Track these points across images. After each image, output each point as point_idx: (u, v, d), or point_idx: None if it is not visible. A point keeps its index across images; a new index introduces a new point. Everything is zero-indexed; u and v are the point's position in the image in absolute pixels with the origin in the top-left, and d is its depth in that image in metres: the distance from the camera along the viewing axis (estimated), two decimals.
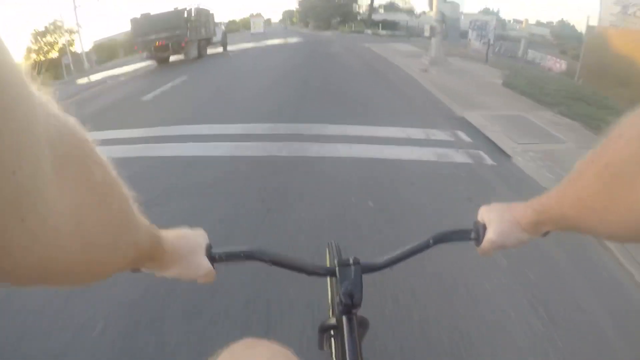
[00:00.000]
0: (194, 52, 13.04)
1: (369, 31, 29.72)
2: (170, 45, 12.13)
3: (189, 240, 0.52)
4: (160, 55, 12.54)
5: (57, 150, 0.22)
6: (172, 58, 13.01)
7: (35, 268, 0.21)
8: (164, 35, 11.88)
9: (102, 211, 0.27)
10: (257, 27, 31.33)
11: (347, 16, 38.67)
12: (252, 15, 40.52)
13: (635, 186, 0.29)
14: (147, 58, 12.85)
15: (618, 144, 0.31)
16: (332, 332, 0.72)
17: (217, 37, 16.09)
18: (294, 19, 71.17)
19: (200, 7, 14.21)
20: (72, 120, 0.26)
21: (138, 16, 12.47)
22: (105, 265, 0.30)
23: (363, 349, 0.59)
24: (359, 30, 31.62)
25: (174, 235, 0.50)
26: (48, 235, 0.21)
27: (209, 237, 0.56)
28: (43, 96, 0.23)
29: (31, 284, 0.22)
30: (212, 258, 0.54)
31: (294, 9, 67.07)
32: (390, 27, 29.49)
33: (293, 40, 22.17)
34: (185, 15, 12.63)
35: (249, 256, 0.57)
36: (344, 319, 0.59)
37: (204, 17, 14.49)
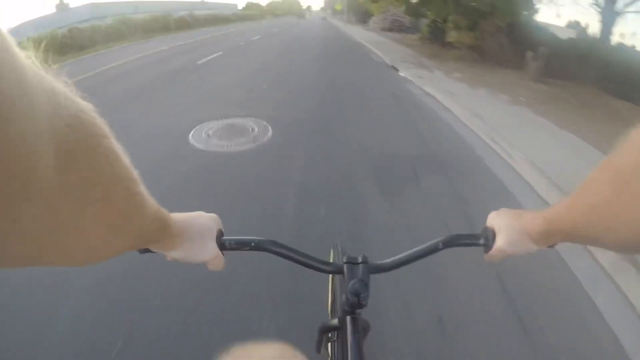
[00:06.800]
0: (305, 17, 58.46)
1: None
2: (301, 15, 70.19)
3: (200, 224, 0.52)
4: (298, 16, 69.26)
5: (63, 145, 0.21)
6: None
7: (27, 256, 0.22)
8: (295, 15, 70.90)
9: (105, 205, 0.27)
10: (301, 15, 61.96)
11: None
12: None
13: None
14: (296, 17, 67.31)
15: (630, 151, 0.31)
16: (329, 335, 0.71)
17: (305, 16, 72.45)
18: (338, 6, 47.40)
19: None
20: (85, 109, 0.24)
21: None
22: (104, 251, 0.31)
23: (364, 352, 0.57)
24: None
25: (185, 217, 0.50)
26: (43, 235, 0.21)
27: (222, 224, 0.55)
28: (53, 82, 0.21)
29: (21, 266, 0.23)
30: (222, 245, 0.53)
31: None
32: None
33: None
34: (304, 12, 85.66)
35: (258, 246, 0.56)
36: (348, 319, 0.58)
37: (302, 10, 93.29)
